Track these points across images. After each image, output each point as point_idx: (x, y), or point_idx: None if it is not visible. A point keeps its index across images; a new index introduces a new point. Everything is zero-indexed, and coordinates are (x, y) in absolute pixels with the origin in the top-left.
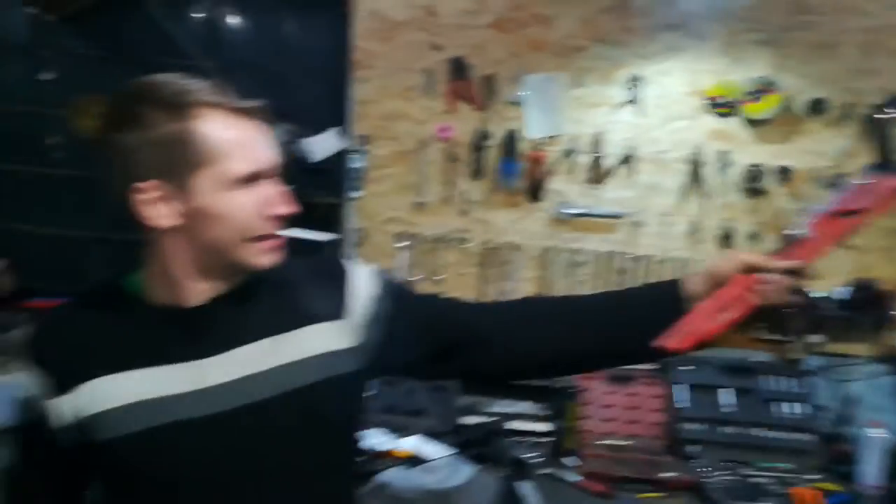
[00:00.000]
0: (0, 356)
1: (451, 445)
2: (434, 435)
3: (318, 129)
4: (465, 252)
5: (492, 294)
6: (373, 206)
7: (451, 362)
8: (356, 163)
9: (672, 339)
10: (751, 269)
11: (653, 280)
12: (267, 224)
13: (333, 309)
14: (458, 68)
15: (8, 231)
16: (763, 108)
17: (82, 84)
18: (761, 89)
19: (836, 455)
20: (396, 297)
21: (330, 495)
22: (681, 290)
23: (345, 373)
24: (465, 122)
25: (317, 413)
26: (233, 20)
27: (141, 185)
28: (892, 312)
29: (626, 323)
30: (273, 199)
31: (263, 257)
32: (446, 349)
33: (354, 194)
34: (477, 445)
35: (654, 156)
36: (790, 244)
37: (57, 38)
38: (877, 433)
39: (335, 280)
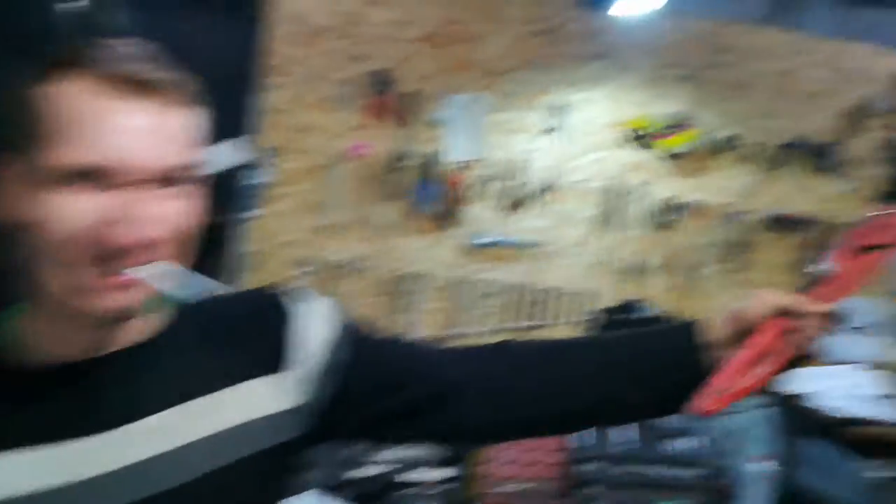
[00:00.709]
0: None
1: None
2: (324, 490)
3: (218, 138)
4: (369, 280)
5: (396, 326)
6: (271, 227)
7: (419, 422)
8: (259, 178)
9: (709, 400)
10: (784, 313)
11: (574, 314)
12: (110, 250)
13: (269, 360)
14: (381, 82)
15: None
16: (679, 142)
17: None
18: (679, 124)
19: (719, 491)
20: (354, 342)
21: None
22: (698, 336)
23: (281, 442)
24: (383, 139)
25: (239, 501)
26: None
27: None
28: None
29: (637, 374)
30: (133, 213)
31: (104, 299)
32: (414, 406)
33: (249, 213)
34: (371, 501)
35: (572, 185)
36: (815, 282)
37: None
38: (760, 467)
39: (273, 322)
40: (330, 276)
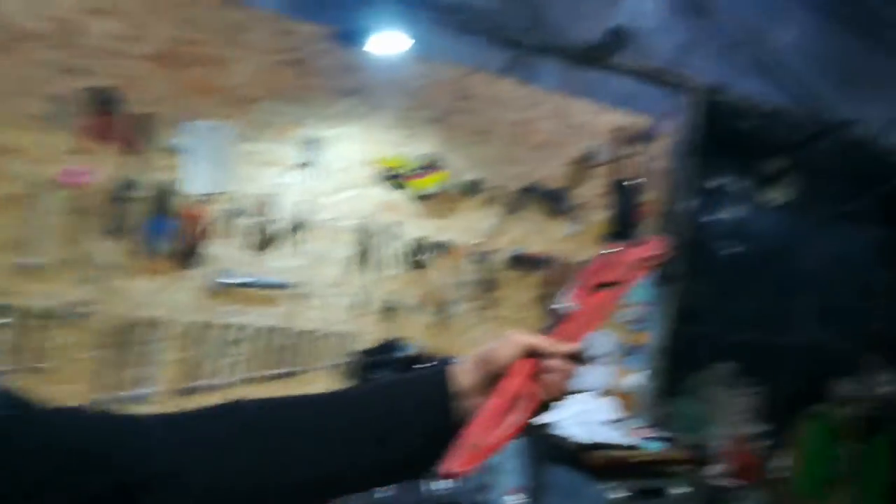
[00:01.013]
0: None
1: None
2: None
3: None
4: (86, 330)
5: (121, 384)
6: None
7: None
8: None
9: (458, 461)
10: (531, 353)
11: (332, 357)
12: None
13: None
14: (104, 100)
15: None
16: (429, 183)
17: None
18: (429, 165)
19: None
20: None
21: None
22: (447, 386)
23: None
24: (106, 166)
25: None
26: None
27: None
28: None
29: (382, 434)
30: None
31: None
32: (99, 496)
33: None
34: None
35: (325, 223)
36: (558, 320)
37: None
38: (514, 499)
39: None
40: (36, 327)
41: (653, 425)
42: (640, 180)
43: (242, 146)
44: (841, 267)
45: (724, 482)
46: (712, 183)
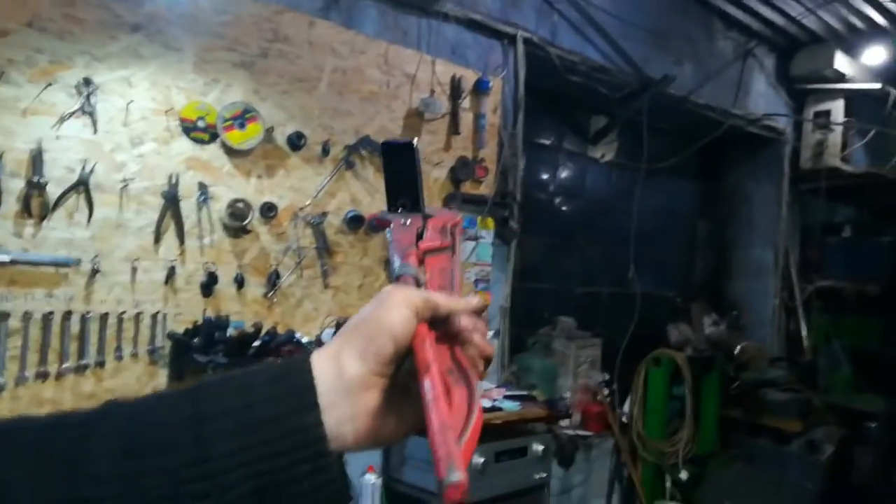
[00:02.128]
0: None
1: None
2: None
3: None
4: None
5: None
6: None
7: None
8: None
9: (455, 482)
10: (428, 316)
11: (138, 343)
12: None
13: None
14: None
15: None
16: (246, 137)
17: None
18: (242, 116)
19: None
20: None
21: None
22: (307, 390)
23: None
24: None
25: None
26: None
27: None
28: None
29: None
30: None
31: None
32: None
33: None
34: None
35: (117, 185)
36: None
37: None
38: (370, 479)
39: None
40: None
41: (505, 385)
42: (415, 140)
43: None
44: (668, 218)
45: (578, 432)
46: (543, 139)
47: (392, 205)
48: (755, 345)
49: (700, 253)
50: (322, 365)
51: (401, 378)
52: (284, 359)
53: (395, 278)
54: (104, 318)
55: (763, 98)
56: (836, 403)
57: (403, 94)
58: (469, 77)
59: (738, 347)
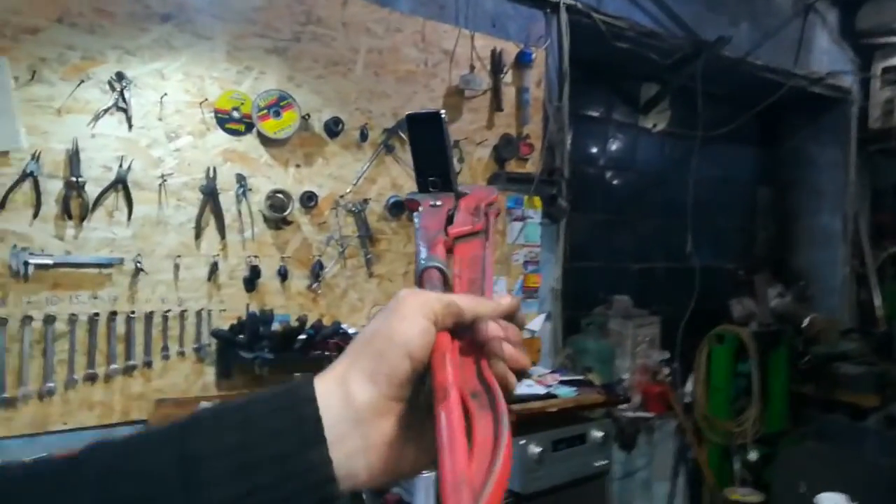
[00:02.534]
0: None
1: None
2: None
3: None
4: None
5: None
6: None
7: None
8: None
9: None
10: (452, 324)
11: (185, 341)
12: None
13: None
14: None
15: None
16: (282, 125)
17: None
18: (277, 104)
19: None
20: None
21: None
22: (313, 426)
23: None
24: None
25: None
26: None
27: None
28: None
29: None
30: None
31: None
32: None
33: None
34: None
35: (155, 182)
36: (436, 280)
37: None
38: (423, 473)
39: None
40: None
41: (560, 369)
42: (442, 110)
43: (28, 90)
44: (726, 188)
45: (639, 415)
46: (590, 111)
47: (421, 183)
48: (825, 317)
49: (762, 222)
50: (327, 391)
51: (422, 399)
52: (286, 384)
53: (418, 274)
54: (149, 317)
55: (826, 55)
56: None
57: (442, 72)
58: (510, 50)
59: (807, 320)
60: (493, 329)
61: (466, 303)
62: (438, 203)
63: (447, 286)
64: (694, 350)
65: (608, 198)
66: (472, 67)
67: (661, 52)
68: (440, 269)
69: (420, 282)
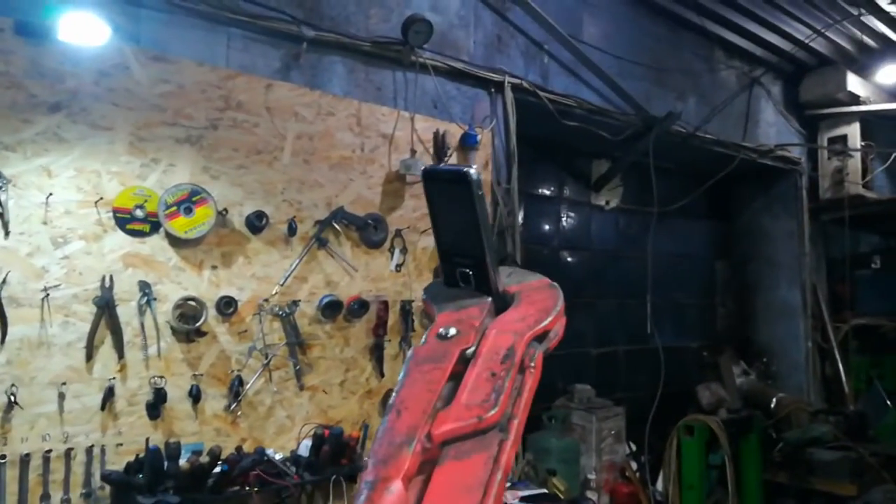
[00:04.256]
0: None
1: None
2: None
3: None
4: None
5: None
6: None
7: None
8: None
9: None
10: None
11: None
12: None
13: None
14: None
15: None
16: (194, 223)
17: None
18: (188, 199)
19: None
20: None
21: None
22: None
23: None
24: None
25: None
26: None
27: None
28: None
29: None
30: None
31: None
32: None
33: None
34: None
35: (37, 296)
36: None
37: None
38: None
39: None
40: None
41: (521, 482)
42: (472, 168)
43: None
44: (683, 264)
45: None
46: (542, 190)
47: (448, 271)
48: (792, 396)
49: (721, 298)
50: None
51: None
52: None
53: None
54: (25, 460)
55: (773, 128)
56: (892, 455)
57: (381, 157)
58: (454, 131)
59: (774, 400)
60: None
61: None
62: (451, 332)
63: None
64: (663, 439)
65: (564, 279)
66: (413, 151)
67: (611, 128)
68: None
69: None
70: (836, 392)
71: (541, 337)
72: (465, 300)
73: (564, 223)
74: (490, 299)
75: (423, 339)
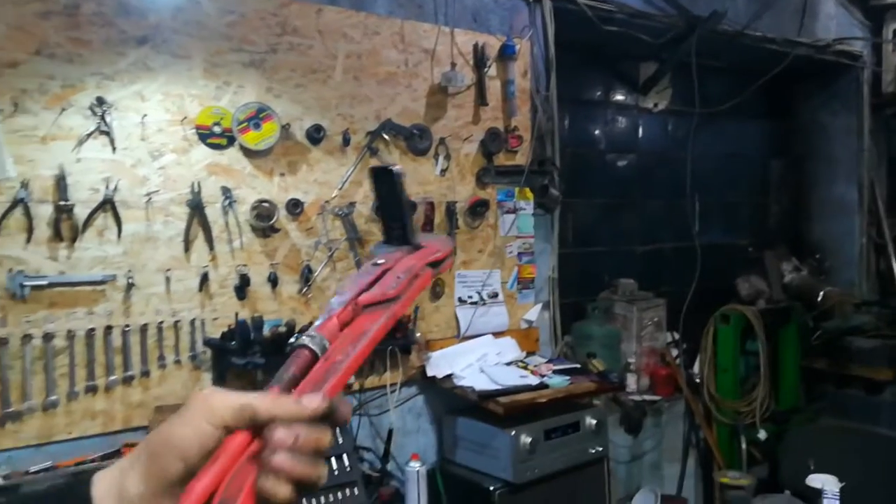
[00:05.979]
0: None
1: None
2: None
3: None
4: None
5: None
6: None
7: None
8: None
9: None
10: (247, 424)
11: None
12: None
13: None
14: None
15: None
16: (262, 136)
17: None
18: (256, 116)
19: (384, 498)
20: None
21: None
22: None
23: None
24: None
25: None
26: None
27: None
28: (415, 335)
29: None
30: None
31: None
32: None
33: None
34: None
35: (142, 200)
36: (301, 362)
37: None
38: (415, 466)
39: None
40: None
41: (558, 359)
42: (397, 166)
43: (13, 121)
44: (735, 163)
45: (645, 397)
46: (589, 95)
47: (387, 234)
48: (839, 290)
49: (775, 196)
50: (105, 484)
51: None
52: (69, 476)
53: (287, 351)
54: (144, 329)
55: (833, 21)
56: None
57: (424, 71)
58: (493, 44)
59: (822, 294)
60: (279, 436)
61: (264, 406)
62: (380, 261)
63: (301, 367)
64: (702, 330)
65: (611, 181)
66: (454, 64)
67: (653, 31)
68: (310, 349)
69: (287, 360)
70: (888, 286)
71: (434, 264)
72: (394, 249)
73: (612, 126)
74: (409, 247)
75: (364, 265)
